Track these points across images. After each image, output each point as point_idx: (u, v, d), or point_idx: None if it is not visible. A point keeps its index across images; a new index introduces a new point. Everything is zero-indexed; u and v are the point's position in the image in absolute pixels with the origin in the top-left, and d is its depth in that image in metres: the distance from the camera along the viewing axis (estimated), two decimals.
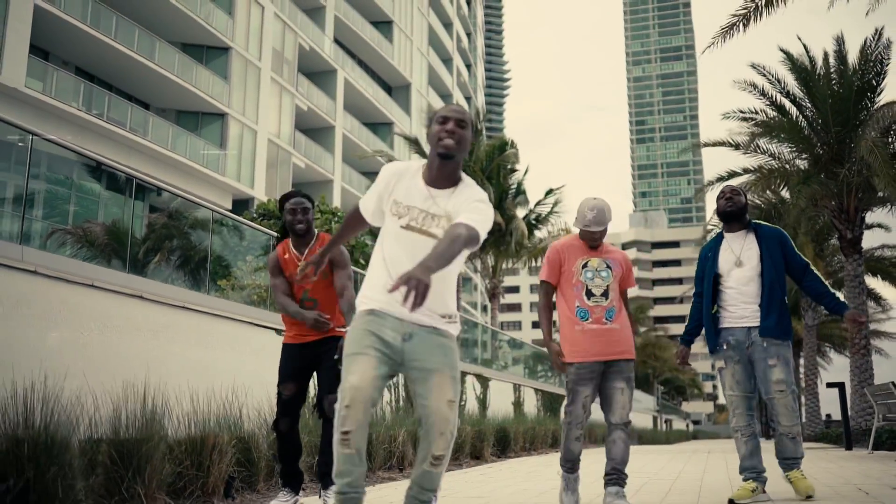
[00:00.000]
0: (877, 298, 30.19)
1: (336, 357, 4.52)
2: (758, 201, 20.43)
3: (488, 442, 11.19)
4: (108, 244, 8.81)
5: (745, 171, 17.71)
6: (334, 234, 3.66)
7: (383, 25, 47.17)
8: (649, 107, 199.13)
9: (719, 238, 5.23)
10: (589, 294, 4.55)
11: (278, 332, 9.32)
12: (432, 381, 2.95)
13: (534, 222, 29.16)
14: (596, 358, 4.50)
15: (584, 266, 4.60)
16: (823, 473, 7.32)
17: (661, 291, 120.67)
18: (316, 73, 40.35)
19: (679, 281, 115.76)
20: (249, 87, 33.91)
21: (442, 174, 3.05)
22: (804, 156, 17.27)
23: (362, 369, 2.94)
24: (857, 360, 16.70)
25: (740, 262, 5.03)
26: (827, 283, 5.23)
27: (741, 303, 5.00)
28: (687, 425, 73.24)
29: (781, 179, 17.22)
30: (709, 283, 5.12)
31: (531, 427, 14.30)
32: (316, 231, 4.82)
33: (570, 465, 4.69)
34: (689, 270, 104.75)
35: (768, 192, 19.29)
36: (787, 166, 17.32)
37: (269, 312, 10.20)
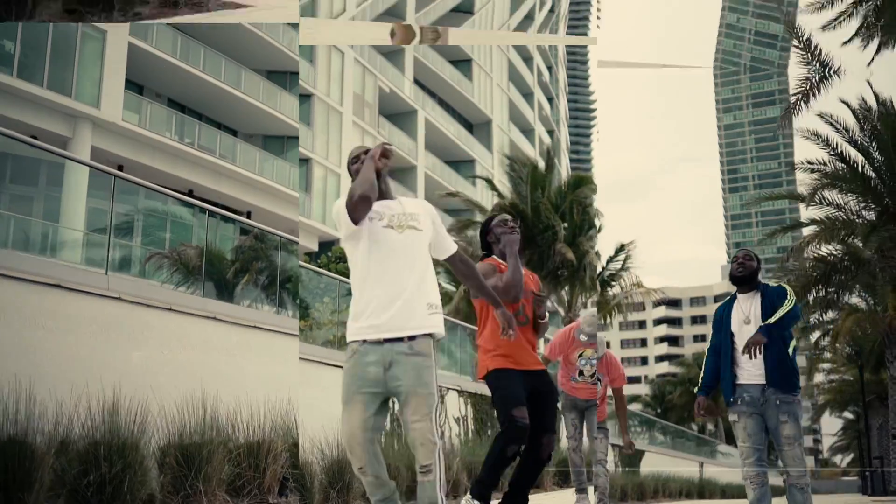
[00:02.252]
0: None
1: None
2: (823, 252, 19.39)
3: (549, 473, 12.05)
4: (199, 267, 9.50)
5: (812, 221, 17.70)
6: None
7: (462, 64, 47.79)
8: (742, 154, 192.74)
9: (732, 298, 5.57)
10: (580, 373, 6.90)
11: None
12: (410, 400, 3.39)
13: (607, 279, 29.07)
14: (576, 395, 7.00)
15: (580, 356, 6.91)
16: None
17: None
18: (397, 114, 41.19)
19: None
20: (332, 132, 35.17)
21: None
22: (872, 206, 17.07)
23: (352, 418, 3.43)
24: None
25: (748, 321, 5.35)
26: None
27: (751, 361, 5.27)
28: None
29: (847, 231, 17.10)
30: (726, 342, 5.44)
31: None
32: None
33: (578, 483, 6.56)
34: None
35: (834, 243, 18.62)
36: (853, 217, 17.19)
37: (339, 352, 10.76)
